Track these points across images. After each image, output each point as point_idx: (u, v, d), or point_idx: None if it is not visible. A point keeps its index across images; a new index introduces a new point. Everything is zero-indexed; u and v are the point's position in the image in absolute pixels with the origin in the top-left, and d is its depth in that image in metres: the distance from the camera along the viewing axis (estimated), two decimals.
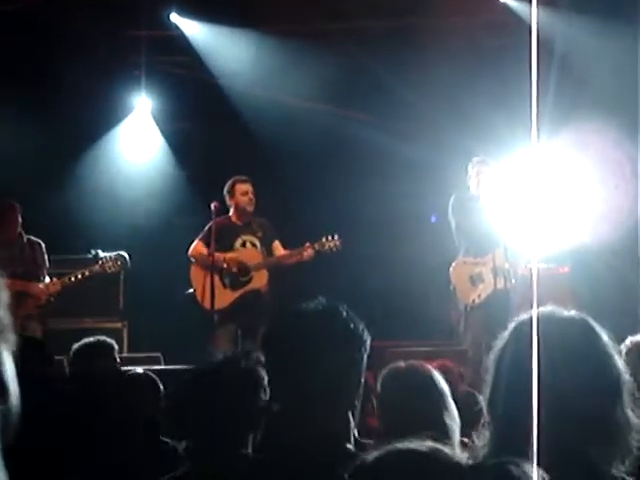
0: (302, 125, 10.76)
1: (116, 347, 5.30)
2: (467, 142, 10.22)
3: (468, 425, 4.56)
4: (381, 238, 10.89)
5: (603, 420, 2.06)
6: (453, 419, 3.24)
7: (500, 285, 8.27)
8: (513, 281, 8.35)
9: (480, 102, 10.77)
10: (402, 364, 3.38)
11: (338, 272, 10.04)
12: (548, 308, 2.19)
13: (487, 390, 2.17)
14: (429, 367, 3.35)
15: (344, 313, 2.48)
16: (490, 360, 2.19)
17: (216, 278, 8.42)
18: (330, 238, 8.50)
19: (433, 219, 10.92)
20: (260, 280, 8.55)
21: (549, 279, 9.57)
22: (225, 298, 8.41)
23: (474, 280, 8.39)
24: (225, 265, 8.44)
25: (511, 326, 2.18)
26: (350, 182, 10.62)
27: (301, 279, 9.07)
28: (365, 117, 11.04)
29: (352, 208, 10.59)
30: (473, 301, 8.36)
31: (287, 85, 11.01)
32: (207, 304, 8.39)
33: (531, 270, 9.64)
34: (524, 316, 2.16)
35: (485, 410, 2.18)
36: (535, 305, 2.04)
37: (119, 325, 9.48)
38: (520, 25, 10.53)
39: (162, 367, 7.95)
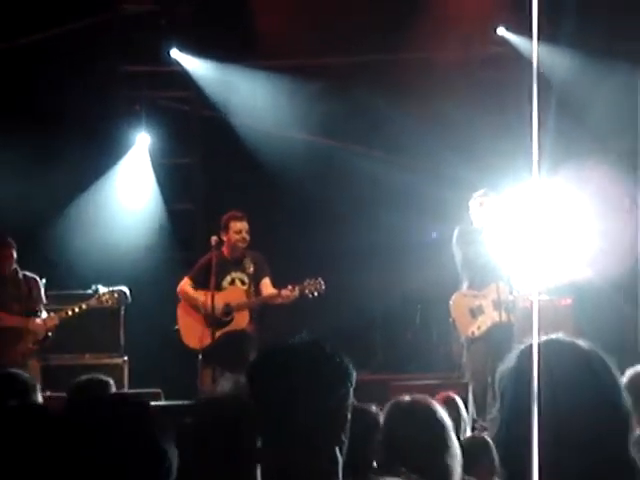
0: (303, 159, 10.78)
1: (112, 384, 5.26)
2: (468, 174, 10.23)
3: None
4: (382, 270, 10.87)
5: (618, 456, 2.01)
6: (454, 457, 3.19)
7: (502, 318, 8.23)
8: (514, 313, 8.32)
9: (480, 135, 10.80)
10: (406, 398, 3.34)
11: (337, 305, 10.01)
12: (555, 335, 2.15)
13: (495, 425, 2.13)
14: (432, 402, 3.32)
15: (328, 348, 2.44)
16: (498, 387, 2.15)
17: (200, 317, 8.46)
18: (312, 282, 8.50)
19: (434, 235, 10.93)
20: (242, 320, 8.59)
21: (551, 311, 9.54)
22: (207, 338, 8.42)
23: (474, 313, 8.36)
24: (209, 306, 8.44)
25: (517, 351, 2.14)
26: (351, 214, 10.62)
27: (297, 313, 9.06)
28: (366, 150, 11.05)
29: (353, 240, 10.58)
30: (472, 333, 8.33)
31: (287, 119, 11.04)
32: (190, 343, 8.54)
33: (532, 302, 9.62)
34: (531, 342, 2.11)
35: (495, 448, 2.15)
36: (536, 337, 2.00)
37: (120, 361, 9.43)
38: (519, 59, 10.59)
39: (163, 403, 7.91)
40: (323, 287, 8.51)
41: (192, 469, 2.73)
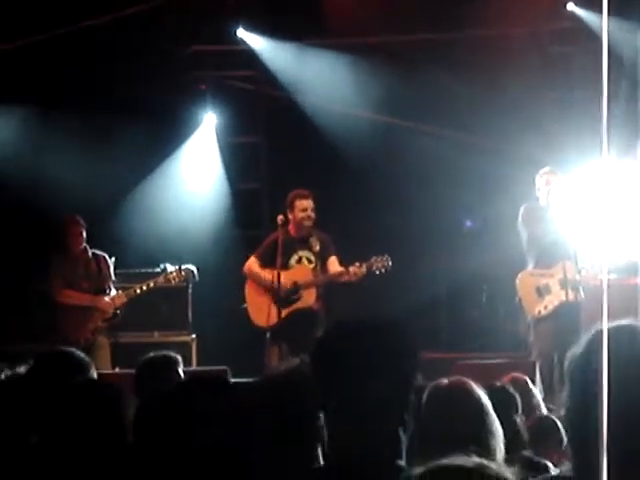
0: (369, 137, 10.75)
1: (180, 361, 5.31)
2: (534, 151, 10.13)
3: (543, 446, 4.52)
4: (447, 250, 10.83)
5: None
6: (494, 437, 3.16)
7: (568, 297, 8.16)
8: (581, 293, 8.24)
9: (548, 111, 10.68)
10: (445, 381, 3.33)
11: (403, 283, 10.00)
12: (627, 321, 2.12)
13: (564, 408, 2.11)
14: (472, 384, 3.29)
15: (394, 325, 2.41)
16: (566, 373, 2.13)
17: (267, 295, 8.48)
18: (379, 258, 8.48)
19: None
20: (309, 298, 8.59)
21: (619, 290, 9.41)
22: (274, 316, 8.44)
23: (540, 292, 8.29)
24: (276, 284, 8.46)
25: (587, 336, 2.12)
26: (416, 192, 10.57)
27: (364, 291, 9.06)
28: (432, 129, 10.98)
29: (417, 220, 10.54)
30: (539, 312, 8.27)
31: (353, 98, 11.01)
32: (259, 322, 8.53)
33: (601, 281, 9.50)
34: (600, 327, 2.08)
35: (564, 429, 2.13)
36: (605, 319, 1.97)
37: (188, 339, 9.52)
38: (588, 33, 10.43)
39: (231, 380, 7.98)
40: (390, 263, 8.49)
41: (252, 447, 2.74)
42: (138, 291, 8.80)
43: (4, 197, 10.20)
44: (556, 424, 4.73)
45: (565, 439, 2.15)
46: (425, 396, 3.27)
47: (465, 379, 3.32)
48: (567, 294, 8.18)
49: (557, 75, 10.95)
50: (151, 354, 5.29)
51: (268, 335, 8.43)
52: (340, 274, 8.55)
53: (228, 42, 11.24)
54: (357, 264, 8.48)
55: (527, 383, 5.32)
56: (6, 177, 10.10)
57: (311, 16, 10.89)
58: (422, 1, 10.58)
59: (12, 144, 10.35)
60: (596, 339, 2.04)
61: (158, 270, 9.08)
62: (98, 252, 8.95)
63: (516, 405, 4.37)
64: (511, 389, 4.48)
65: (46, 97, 10.35)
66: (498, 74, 10.25)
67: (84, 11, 10.41)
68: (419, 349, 2.42)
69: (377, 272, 8.49)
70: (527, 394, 5.09)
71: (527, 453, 4.20)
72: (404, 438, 2.35)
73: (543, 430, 4.73)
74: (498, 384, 4.50)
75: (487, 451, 3.06)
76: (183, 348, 8.99)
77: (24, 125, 10.45)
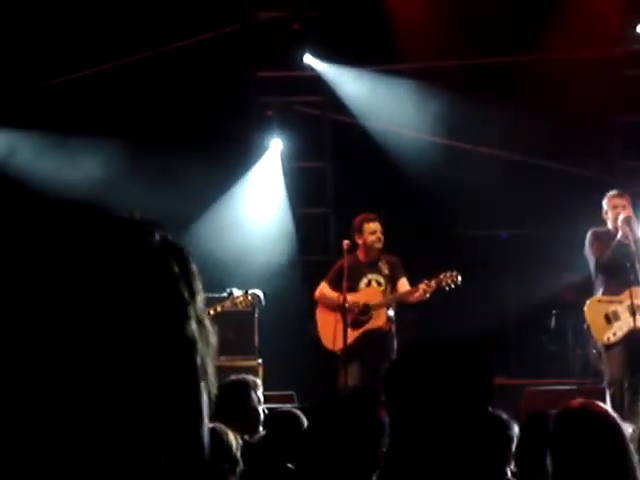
0: (434, 161, 10.73)
1: (259, 385, 5.36)
2: (603, 175, 10.03)
3: None
4: (515, 272, 10.74)
5: None
6: (635, 462, 3.04)
7: (637, 323, 8.02)
8: None
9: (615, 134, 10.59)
10: (575, 402, 3.25)
11: (473, 308, 9.93)
12: None
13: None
14: (602, 405, 3.21)
15: (476, 353, 2.31)
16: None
17: (339, 319, 8.46)
18: (449, 274, 8.43)
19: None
20: (379, 319, 8.57)
21: None
22: (347, 338, 8.43)
23: (609, 318, 8.16)
24: (347, 306, 8.46)
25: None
26: (484, 215, 10.52)
27: (433, 314, 9.00)
28: (499, 152, 10.94)
29: (483, 241, 10.49)
30: (608, 339, 8.14)
31: (418, 122, 11.01)
32: (330, 345, 8.51)
33: None
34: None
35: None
36: None
37: (254, 363, 9.53)
38: None
39: (296, 405, 7.97)
40: (459, 279, 8.43)
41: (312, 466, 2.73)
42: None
43: None
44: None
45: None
46: (555, 419, 3.17)
47: (593, 400, 3.24)
48: (636, 320, 8.04)
49: (628, 98, 10.84)
50: (230, 378, 5.35)
51: (341, 357, 8.41)
52: (410, 292, 8.52)
53: (294, 68, 11.31)
54: (426, 281, 8.45)
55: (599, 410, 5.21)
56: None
57: (376, 41, 10.92)
58: (489, 25, 10.54)
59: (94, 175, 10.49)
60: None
61: (225, 295, 9.12)
62: None
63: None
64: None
65: (125, 128, 10.51)
66: (564, 98, 10.17)
67: (153, 40, 10.59)
68: (493, 375, 2.35)
69: (447, 288, 8.44)
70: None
71: None
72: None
73: None
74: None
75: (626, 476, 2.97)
76: (249, 373, 8.99)
77: (110, 158, 10.60)
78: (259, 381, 5.34)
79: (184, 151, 10.36)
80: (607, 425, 3.11)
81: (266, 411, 5.53)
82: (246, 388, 5.32)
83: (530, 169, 10.85)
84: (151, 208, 10.14)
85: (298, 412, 4.89)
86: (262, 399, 5.61)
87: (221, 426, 4.04)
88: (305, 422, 4.57)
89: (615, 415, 3.16)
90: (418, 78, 10.95)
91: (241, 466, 3.96)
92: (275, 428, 4.81)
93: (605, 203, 8.38)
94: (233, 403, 5.26)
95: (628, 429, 5.25)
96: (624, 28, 10.74)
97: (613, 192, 8.43)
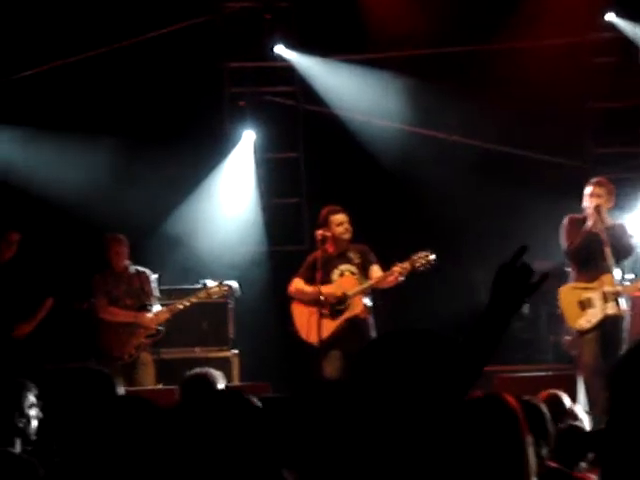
0: (407, 150, 10.77)
1: (222, 378, 5.35)
2: (574, 162, 10.10)
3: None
4: (487, 258, 10.79)
5: None
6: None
7: (611, 310, 8.07)
8: (625, 306, 8.15)
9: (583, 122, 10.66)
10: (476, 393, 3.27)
11: (445, 294, 9.98)
12: None
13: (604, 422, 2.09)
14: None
15: (449, 340, 2.33)
16: (608, 386, 2.11)
17: (315, 311, 8.46)
18: (422, 254, 8.42)
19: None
20: (356, 307, 8.57)
21: None
22: (326, 329, 8.43)
23: (583, 305, 8.21)
24: (323, 298, 8.46)
25: (627, 349, 2.09)
26: (455, 202, 10.56)
27: (407, 303, 9.01)
28: (470, 141, 11.00)
29: (457, 228, 10.52)
30: (582, 326, 8.19)
31: (392, 112, 11.03)
32: (310, 338, 8.49)
33: None
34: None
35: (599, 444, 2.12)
36: None
37: (229, 354, 9.54)
38: (628, 43, 10.45)
39: (271, 395, 7.98)
40: (433, 258, 8.41)
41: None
42: (181, 307, 8.84)
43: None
44: (585, 436, 4.70)
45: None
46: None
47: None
48: (610, 307, 8.09)
49: (597, 85, 10.90)
50: (194, 371, 5.34)
51: (321, 348, 8.40)
52: (384, 277, 8.52)
53: (266, 58, 11.29)
54: (399, 263, 8.42)
55: (559, 399, 5.26)
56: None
57: (347, 31, 10.92)
58: (459, 13, 10.57)
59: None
60: (634, 352, 2.02)
61: (199, 286, 9.12)
62: (141, 269, 9.03)
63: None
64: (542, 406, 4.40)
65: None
66: (534, 86, 10.22)
67: (123, 31, 10.55)
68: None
69: (421, 269, 8.41)
70: (560, 410, 5.05)
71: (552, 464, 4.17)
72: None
73: (569, 441, 4.69)
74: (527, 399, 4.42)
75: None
76: (224, 364, 9.02)
77: (80, 151, 10.54)
78: (222, 374, 5.33)
79: (156, 143, 10.32)
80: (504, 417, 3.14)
81: None
82: (208, 381, 5.34)
83: (501, 157, 10.90)
84: (125, 201, 10.15)
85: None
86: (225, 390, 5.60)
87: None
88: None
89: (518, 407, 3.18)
90: (390, 68, 10.97)
91: None
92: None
93: (585, 190, 8.35)
94: (195, 396, 5.28)
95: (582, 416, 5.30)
96: (593, 16, 10.79)
97: (594, 179, 8.42)
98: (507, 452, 2.79)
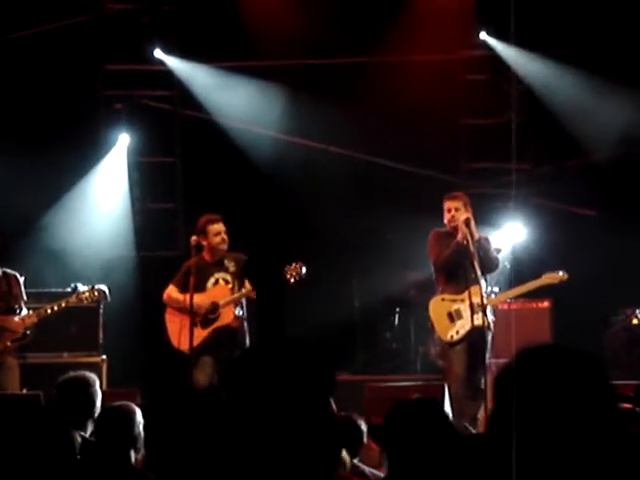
0: (285, 159, 10.83)
1: (98, 382, 5.31)
2: (447, 176, 10.31)
3: None
4: (362, 269, 10.92)
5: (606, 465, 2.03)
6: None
7: (479, 321, 8.24)
8: (492, 317, 8.35)
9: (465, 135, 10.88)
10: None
11: (318, 305, 10.05)
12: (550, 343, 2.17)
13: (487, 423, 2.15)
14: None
15: (319, 350, 2.35)
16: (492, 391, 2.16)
17: (187, 319, 8.44)
18: (293, 266, 8.50)
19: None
20: (227, 316, 8.59)
21: (529, 314, 9.61)
22: (197, 337, 8.43)
23: (452, 317, 8.37)
24: (195, 307, 8.45)
25: (517, 356, 2.14)
26: (331, 212, 10.65)
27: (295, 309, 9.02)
28: (346, 152, 11.12)
29: (334, 238, 10.62)
30: (452, 337, 8.35)
31: (270, 120, 11.08)
32: (182, 346, 8.46)
33: (510, 305, 9.69)
34: (530, 348, 2.12)
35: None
36: (514, 341, 2.02)
37: (98, 360, 9.42)
38: (499, 61, 10.74)
39: (139, 403, 7.90)
40: (304, 270, 8.48)
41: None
42: (49, 311, 8.67)
43: None
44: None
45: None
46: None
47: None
48: (478, 319, 8.25)
49: (469, 102, 11.15)
50: (69, 374, 5.28)
51: (192, 356, 8.38)
52: (253, 288, 8.56)
53: (144, 62, 11.20)
54: None
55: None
56: None
57: (229, 37, 10.93)
58: (335, 26, 10.68)
59: None
60: (521, 360, 2.08)
61: (69, 290, 8.97)
62: (8, 271, 8.81)
63: None
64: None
65: None
66: (410, 100, 10.40)
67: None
68: (335, 372, 2.39)
69: (292, 280, 8.47)
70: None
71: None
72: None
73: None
74: None
75: None
76: (93, 369, 8.84)
77: None
78: (96, 377, 5.28)
79: (30, 145, 10.12)
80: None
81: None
82: (85, 384, 5.28)
83: (376, 169, 11.05)
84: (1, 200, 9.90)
85: (132, 406, 4.86)
86: (100, 395, 5.54)
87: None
88: (139, 418, 4.55)
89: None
90: (270, 76, 11.01)
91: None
92: (106, 423, 4.77)
93: (445, 204, 8.52)
94: (72, 400, 5.22)
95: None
96: (467, 34, 11.04)
97: (447, 194, 8.61)
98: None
